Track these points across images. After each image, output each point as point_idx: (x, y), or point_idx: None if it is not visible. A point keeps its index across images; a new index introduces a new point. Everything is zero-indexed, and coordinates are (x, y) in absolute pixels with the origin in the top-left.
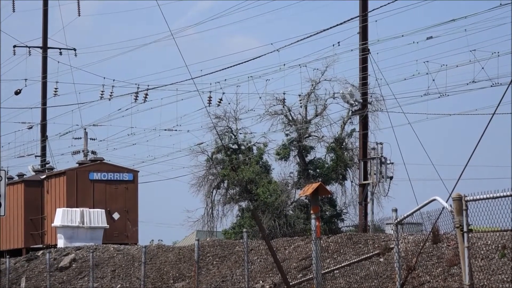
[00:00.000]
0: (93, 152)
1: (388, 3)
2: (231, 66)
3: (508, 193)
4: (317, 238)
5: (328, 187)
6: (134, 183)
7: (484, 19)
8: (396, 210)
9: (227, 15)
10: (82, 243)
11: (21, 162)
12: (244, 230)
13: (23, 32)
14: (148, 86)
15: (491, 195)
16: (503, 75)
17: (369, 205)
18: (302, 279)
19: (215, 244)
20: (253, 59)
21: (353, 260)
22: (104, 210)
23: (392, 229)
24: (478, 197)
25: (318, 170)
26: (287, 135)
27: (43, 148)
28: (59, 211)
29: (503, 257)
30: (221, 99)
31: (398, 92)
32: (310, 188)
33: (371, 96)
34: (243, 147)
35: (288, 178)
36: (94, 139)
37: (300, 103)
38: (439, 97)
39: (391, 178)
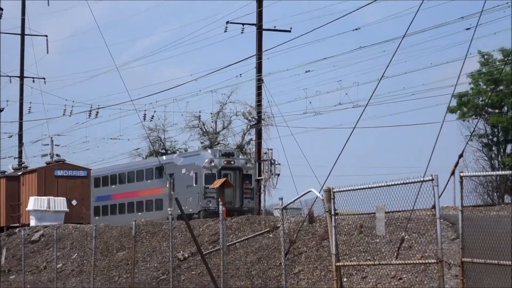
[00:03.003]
0: (57, 155)
1: (278, 45)
2: (160, 92)
3: (365, 186)
4: (223, 219)
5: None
6: (87, 178)
7: (349, 58)
8: (282, 199)
9: (161, 51)
10: (48, 222)
11: (3, 163)
12: (170, 212)
13: (4, 64)
14: (98, 105)
15: (352, 188)
16: (362, 99)
17: (262, 195)
18: (212, 250)
19: (148, 223)
20: (177, 86)
21: (250, 236)
22: (65, 198)
23: (279, 213)
24: (342, 189)
25: None
26: (202, 142)
27: (20, 152)
28: (32, 199)
29: (360, 234)
30: (153, 116)
31: (284, 111)
32: (218, 182)
33: (264, 114)
34: (169, 152)
35: None
36: (58, 145)
37: (212, 119)
38: (314, 115)
39: (278, 175)
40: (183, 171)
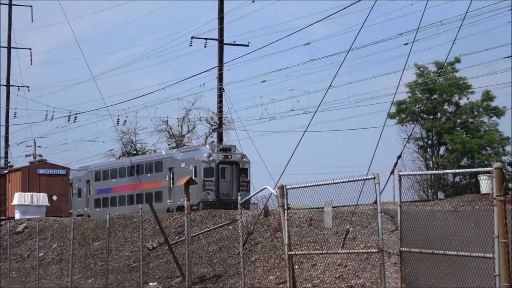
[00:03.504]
0: (40, 155)
1: (237, 58)
2: (132, 99)
3: (314, 184)
4: (188, 213)
5: None
6: (66, 176)
7: (300, 69)
8: (240, 195)
9: (134, 62)
10: (31, 215)
11: None
12: (140, 207)
13: None
14: (77, 111)
15: (302, 185)
16: (312, 106)
17: None
18: (178, 240)
19: (120, 217)
20: (147, 94)
21: (212, 227)
22: (46, 194)
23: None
24: (294, 186)
25: None
26: (169, 144)
27: (6, 153)
28: (16, 195)
29: (310, 226)
30: (125, 121)
31: (243, 116)
32: (184, 180)
33: (225, 119)
34: (140, 153)
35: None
36: (40, 147)
37: (178, 124)
38: (269, 120)
39: None
40: (183, 165)
